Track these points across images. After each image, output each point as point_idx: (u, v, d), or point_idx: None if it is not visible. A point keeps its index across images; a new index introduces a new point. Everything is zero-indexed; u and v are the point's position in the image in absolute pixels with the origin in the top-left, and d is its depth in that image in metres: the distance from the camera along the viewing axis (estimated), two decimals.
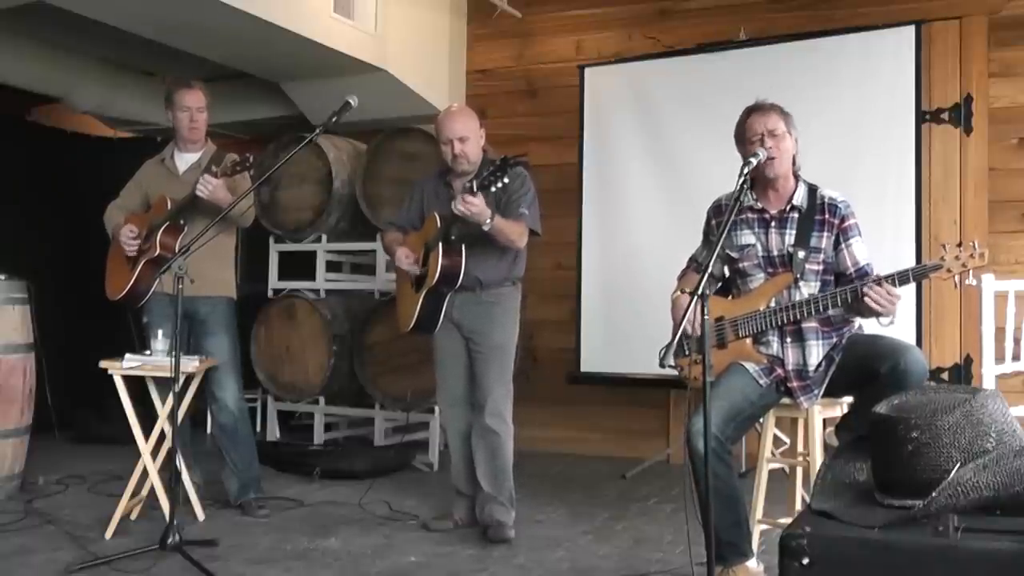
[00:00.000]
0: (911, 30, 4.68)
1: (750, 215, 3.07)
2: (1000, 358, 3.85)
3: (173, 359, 3.35)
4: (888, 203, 4.65)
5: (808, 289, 2.97)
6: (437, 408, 4.95)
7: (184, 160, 4.15)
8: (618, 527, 3.95)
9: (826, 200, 3.01)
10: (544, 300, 5.58)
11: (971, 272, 2.76)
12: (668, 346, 2.61)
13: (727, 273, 3.17)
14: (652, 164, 5.27)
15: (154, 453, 3.71)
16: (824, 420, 3.10)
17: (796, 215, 3.02)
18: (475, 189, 3.42)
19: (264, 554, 3.47)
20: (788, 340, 2.98)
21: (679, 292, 3.16)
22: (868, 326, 3.08)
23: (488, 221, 3.47)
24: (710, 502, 2.50)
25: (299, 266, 5.86)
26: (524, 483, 4.12)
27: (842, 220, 2.99)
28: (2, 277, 4.26)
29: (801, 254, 2.96)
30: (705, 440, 2.44)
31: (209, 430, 4.94)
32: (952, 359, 4.88)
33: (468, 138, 3.69)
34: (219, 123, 5.46)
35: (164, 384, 3.65)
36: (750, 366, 2.98)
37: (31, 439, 4.45)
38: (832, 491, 2.16)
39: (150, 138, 6.49)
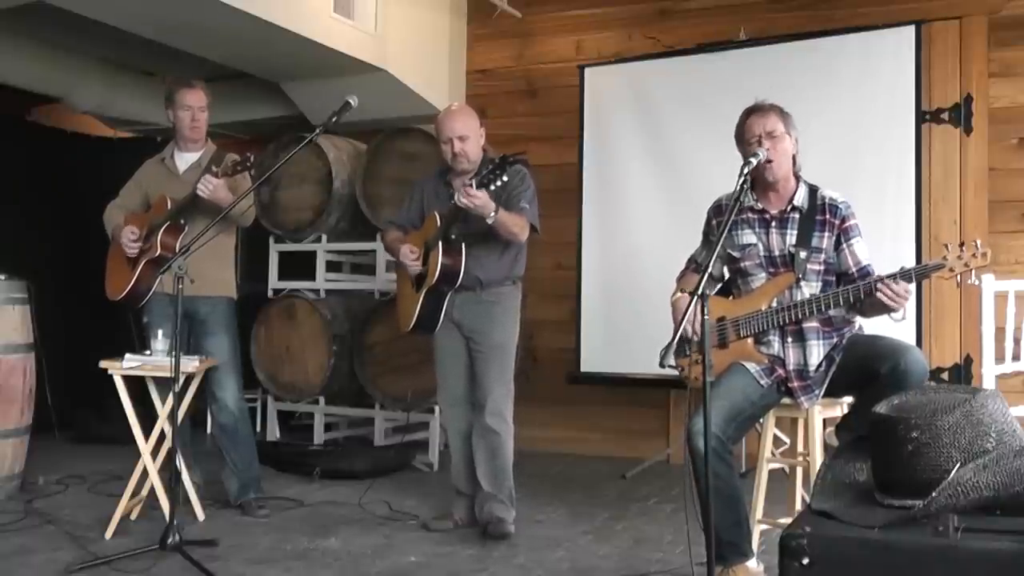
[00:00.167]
0: (911, 30, 4.68)
1: (751, 215, 3.07)
2: (1000, 358, 3.85)
3: (173, 359, 3.35)
4: (888, 203, 4.66)
5: (810, 289, 2.97)
6: (437, 408, 4.95)
7: (184, 160, 4.15)
8: (618, 527, 3.95)
9: (827, 200, 3.01)
10: (544, 300, 5.58)
11: (973, 271, 2.76)
12: (668, 346, 2.61)
13: (727, 274, 3.18)
14: (652, 164, 5.27)
15: (154, 453, 3.71)
16: (824, 420, 3.10)
17: (797, 215, 3.02)
18: (475, 187, 3.42)
19: (264, 554, 3.47)
20: (789, 340, 2.98)
21: (679, 292, 3.17)
22: (868, 326, 3.08)
23: (492, 214, 3.47)
24: (710, 502, 2.50)
25: (299, 266, 5.87)
26: (524, 483, 4.12)
27: (843, 220, 2.99)
28: (2, 277, 4.26)
29: (803, 254, 2.96)
30: (705, 440, 2.44)
31: (209, 430, 4.95)
32: (952, 359, 4.88)
33: (468, 137, 3.69)
34: (219, 123, 5.46)
35: (164, 384, 3.65)
36: (751, 366, 2.98)
37: (31, 439, 4.45)
38: (832, 491, 2.16)
39: (150, 138, 6.49)
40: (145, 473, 3.70)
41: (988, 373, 3.78)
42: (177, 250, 3.74)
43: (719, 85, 4.95)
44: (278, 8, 4.57)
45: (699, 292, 2.41)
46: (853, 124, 4.75)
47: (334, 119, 3.53)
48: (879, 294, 2.77)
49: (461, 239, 3.62)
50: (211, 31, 4.73)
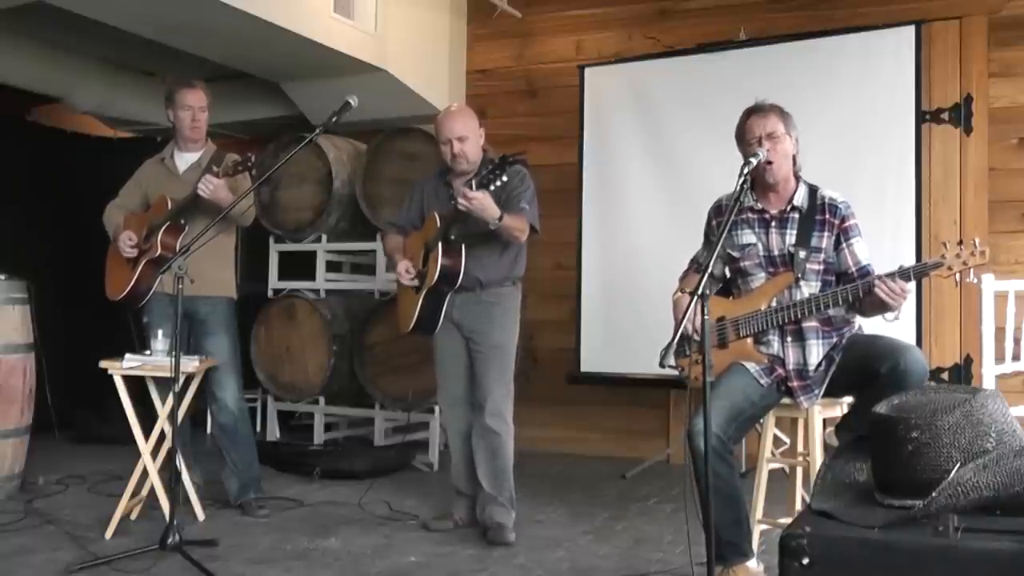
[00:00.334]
0: (911, 30, 4.68)
1: (751, 215, 3.07)
2: (1000, 358, 3.85)
3: (173, 359, 3.35)
4: (888, 203, 4.66)
5: (809, 289, 2.98)
6: (437, 408, 4.95)
7: (184, 160, 4.15)
8: (618, 527, 3.95)
9: (826, 200, 3.02)
10: (544, 300, 5.58)
11: (972, 270, 2.76)
12: (668, 346, 2.61)
13: (728, 274, 3.18)
14: (652, 164, 5.27)
15: (154, 453, 3.71)
16: (824, 420, 3.10)
17: (796, 215, 3.02)
18: (475, 188, 3.42)
19: (264, 554, 3.47)
20: (788, 340, 2.98)
21: (679, 292, 3.17)
22: (868, 326, 3.08)
23: (496, 221, 3.47)
24: (710, 501, 2.50)
25: (299, 266, 5.87)
26: (524, 483, 4.12)
27: (842, 220, 2.99)
28: (2, 277, 4.26)
29: (802, 254, 2.97)
30: (706, 439, 2.44)
31: (209, 430, 4.95)
32: (952, 359, 4.88)
33: (467, 137, 3.69)
34: (219, 123, 5.46)
35: (164, 384, 3.65)
36: (751, 366, 2.98)
37: (31, 439, 4.45)
38: (832, 491, 2.16)
39: (150, 138, 6.49)
40: (145, 473, 3.70)
41: (988, 373, 3.78)
42: (177, 250, 3.74)
43: (719, 85, 4.95)
44: (278, 8, 4.57)
45: (699, 292, 2.41)
46: (853, 124, 4.75)
47: (334, 119, 3.52)
48: (877, 291, 2.77)
49: (461, 240, 3.62)
50: (211, 31, 4.73)
